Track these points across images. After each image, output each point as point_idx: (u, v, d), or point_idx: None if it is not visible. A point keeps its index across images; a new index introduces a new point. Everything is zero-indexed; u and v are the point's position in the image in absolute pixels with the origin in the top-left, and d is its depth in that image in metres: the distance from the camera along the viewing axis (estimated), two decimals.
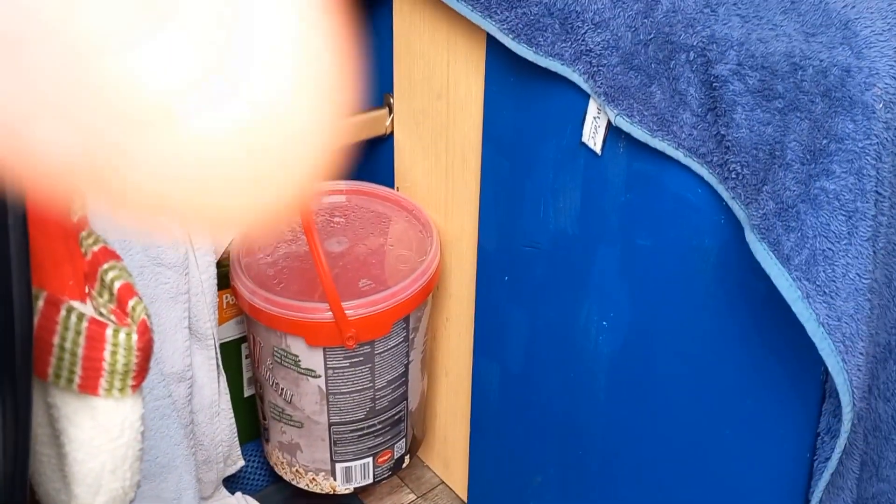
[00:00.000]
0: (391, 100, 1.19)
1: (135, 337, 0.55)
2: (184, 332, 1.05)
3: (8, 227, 0.45)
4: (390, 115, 1.20)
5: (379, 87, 1.20)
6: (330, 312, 1.04)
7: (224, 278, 1.13)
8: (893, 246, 0.71)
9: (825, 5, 0.70)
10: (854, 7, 0.69)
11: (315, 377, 1.09)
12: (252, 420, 1.24)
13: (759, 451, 0.79)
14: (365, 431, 1.14)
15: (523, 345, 1.05)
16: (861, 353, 0.65)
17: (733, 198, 0.72)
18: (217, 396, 1.11)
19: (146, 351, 0.56)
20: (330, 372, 1.09)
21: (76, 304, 0.55)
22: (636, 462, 0.92)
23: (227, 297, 1.17)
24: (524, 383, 1.07)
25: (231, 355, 1.22)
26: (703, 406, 0.83)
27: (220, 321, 1.15)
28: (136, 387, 0.57)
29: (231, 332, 1.22)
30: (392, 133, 1.21)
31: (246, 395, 1.27)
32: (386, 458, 1.17)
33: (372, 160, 1.26)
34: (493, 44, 0.96)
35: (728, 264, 0.77)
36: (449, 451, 1.27)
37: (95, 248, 0.58)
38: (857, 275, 0.65)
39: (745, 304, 0.76)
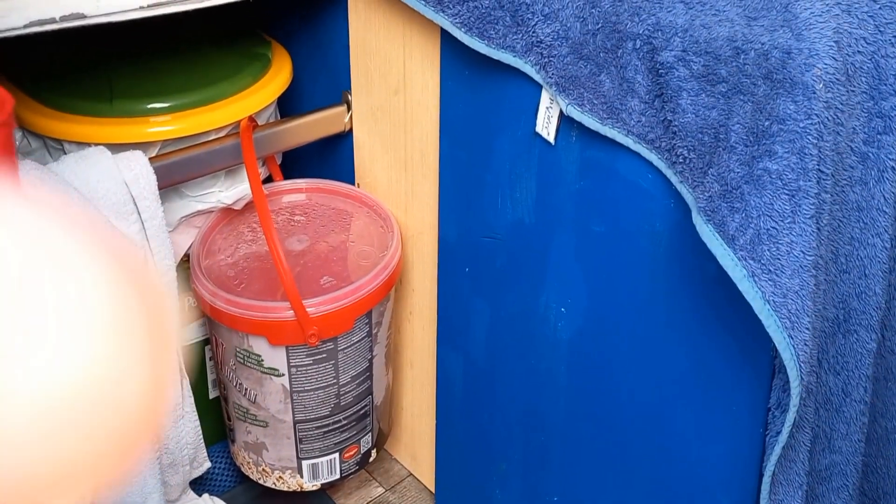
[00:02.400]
0: (349, 97, 1.20)
1: None
2: None
3: None
4: (349, 111, 1.21)
5: (337, 84, 1.21)
6: (291, 311, 1.05)
7: (185, 281, 1.14)
8: (838, 223, 0.74)
9: None
10: None
11: (278, 376, 1.10)
12: (218, 422, 1.25)
13: (714, 428, 0.81)
14: (330, 428, 1.15)
15: (485, 334, 1.07)
16: (807, 329, 0.67)
17: (681, 182, 0.75)
18: (181, 399, 1.12)
19: None
20: (293, 370, 1.10)
21: None
22: (596, 442, 0.94)
23: (188, 300, 1.18)
24: (488, 372, 1.09)
25: (195, 358, 1.23)
26: (659, 385, 0.85)
27: (183, 324, 1.16)
28: None
29: (194, 334, 1.23)
30: (351, 130, 1.22)
31: (211, 396, 1.28)
32: (352, 453, 1.19)
33: (332, 157, 1.27)
34: (447, 38, 0.97)
35: (679, 246, 0.79)
36: (416, 444, 1.28)
37: None
38: (802, 252, 0.67)
39: (697, 285, 0.79)
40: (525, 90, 0.89)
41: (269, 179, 1.25)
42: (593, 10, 0.79)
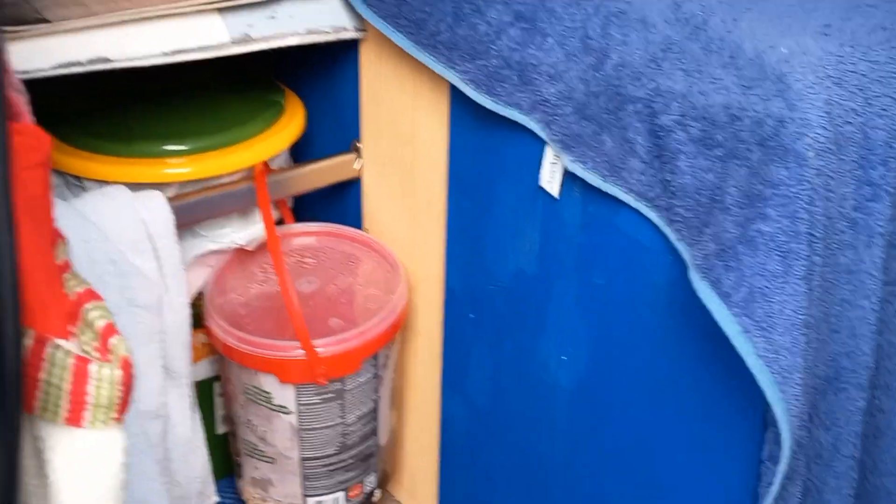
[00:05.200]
0: (359, 145, 1.23)
1: (118, 372, 0.58)
2: (158, 370, 1.07)
3: (1, 272, 0.48)
4: (358, 159, 1.24)
5: (347, 132, 1.25)
6: (301, 350, 1.08)
7: (197, 318, 1.16)
8: (829, 284, 0.76)
9: (761, 60, 0.75)
10: (788, 62, 0.75)
11: (287, 413, 1.12)
12: (225, 457, 1.27)
13: (709, 478, 0.83)
14: (336, 466, 1.17)
15: (488, 380, 1.09)
16: (798, 384, 0.70)
17: (679, 239, 0.77)
18: (191, 434, 1.14)
19: (128, 385, 0.59)
20: (301, 408, 1.12)
21: (61, 342, 0.58)
22: (595, 488, 0.96)
23: (200, 337, 1.20)
24: (490, 417, 1.11)
25: (204, 394, 1.25)
26: (656, 435, 0.87)
27: (194, 360, 1.18)
28: (119, 419, 0.60)
29: (204, 371, 1.25)
30: (360, 177, 1.25)
31: (219, 432, 1.30)
32: (356, 492, 1.20)
33: (341, 203, 1.30)
34: (456, 93, 1.01)
35: (677, 300, 0.82)
36: (418, 485, 1.30)
37: (79, 289, 0.62)
38: (793, 311, 0.69)
39: (693, 338, 0.81)
40: (530, 145, 0.92)
41: (280, 222, 1.28)
42: (596, 74, 0.82)
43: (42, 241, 0.58)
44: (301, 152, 1.31)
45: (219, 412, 1.29)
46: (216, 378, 1.26)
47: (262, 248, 1.22)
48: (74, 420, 0.59)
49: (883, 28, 0.81)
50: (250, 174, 1.16)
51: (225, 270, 1.20)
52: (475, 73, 0.93)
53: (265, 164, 1.16)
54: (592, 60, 0.83)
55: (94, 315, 0.61)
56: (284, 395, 1.11)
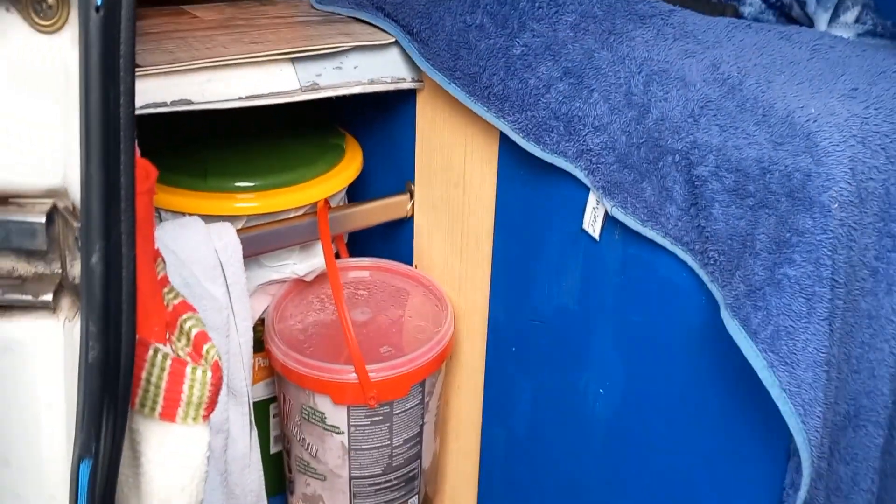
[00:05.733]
0: (412, 187, 1.31)
1: (209, 374, 0.65)
2: (223, 388, 1.14)
3: (122, 283, 0.55)
4: (411, 200, 1.31)
5: (402, 174, 1.32)
6: (354, 374, 1.14)
7: (258, 342, 1.23)
8: (850, 327, 0.81)
9: (791, 119, 0.81)
10: (815, 121, 0.81)
11: (339, 433, 1.18)
12: (277, 475, 1.33)
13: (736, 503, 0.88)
14: (382, 486, 1.22)
15: (528, 411, 1.14)
16: (819, 417, 0.75)
17: (712, 281, 0.83)
18: (248, 450, 1.20)
19: (217, 386, 0.66)
20: (352, 429, 1.18)
21: (160, 346, 0.65)
22: None
23: (259, 360, 1.27)
24: (528, 446, 1.16)
25: (260, 414, 1.32)
26: (688, 463, 0.92)
27: (254, 381, 1.25)
28: (207, 417, 0.66)
29: (261, 392, 1.31)
30: (412, 216, 1.32)
31: (272, 452, 1.36)
32: None
33: (393, 240, 1.37)
34: (505, 140, 1.08)
35: (709, 338, 0.87)
36: None
37: (176, 302, 0.69)
38: (815, 349, 0.75)
39: (724, 373, 0.86)
40: (574, 191, 0.98)
41: (337, 256, 1.35)
42: (638, 126, 0.89)
43: (147, 258, 0.65)
44: (358, 192, 1.38)
45: (273, 432, 1.35)
46: (272, 399, 1.33)
47: (319, 279, 1.29)
48: (168, 415, 0.65)
49: None
50: (312, 210, 1.23)
51: (285, 299, 1.27)
52: (525, 123, 1.00)
53: (326, 201, 1.24)
54: (635, 114, 0.89)
55: (190, 324, 0.68)
56: (337, 415, 1.17)
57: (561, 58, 0.97)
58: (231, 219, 1.17)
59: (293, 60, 1.14)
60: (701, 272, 0.85)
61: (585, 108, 0.93)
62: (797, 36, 0.97)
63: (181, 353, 0.67)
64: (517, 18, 1.03)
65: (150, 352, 0.64)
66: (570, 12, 1.00)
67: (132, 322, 0.58)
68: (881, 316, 0.82)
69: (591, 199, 0.96)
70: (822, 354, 0.75)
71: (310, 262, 1.27)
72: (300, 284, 1.29)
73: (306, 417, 1.19)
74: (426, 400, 1.21)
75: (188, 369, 0.65)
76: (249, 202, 1.19)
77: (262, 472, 1.24)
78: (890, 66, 0.91)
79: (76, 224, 0.60)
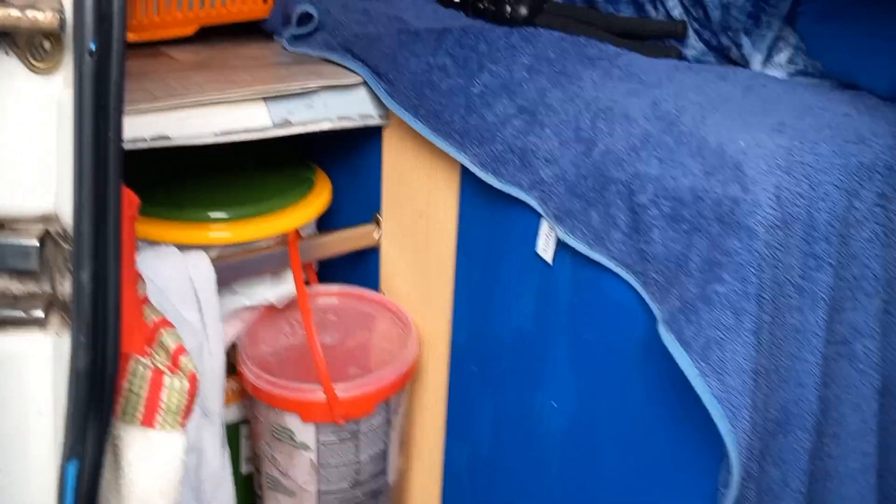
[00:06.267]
0: (379, 217, 1.37)
1: (186, 383, 0.70)
2: (196, 409, 1.19)
3: (109, 299, 0.61)
4: (378, 229, 1.37)
5: (369, 205, 1.38)
6: (323, 392, 1.19)
7: (230, 366, 1.28)
8: (778, 340, 0.88)
9: (722, 151, 0.88)
10: (744, 153, 0.88)
11: (307, 450, 1.23)
12: (247, 495, 1.37)
13: (678, 502, 0.94)
14: (349, 500, 1.27)
15: (489, 428, 1.20)
16: (746, 420, 0.81)
17: (651, 299, 0.89)
18: (222, 468, 1.24)
19: (193, 395, 0.71)
20: (321, 446, 1.22)
21: (141, 358, 0.70)
22: None
23: (231, 384, 1.32)
24: (489, 461, 1.21)
25: (232, 437, 1.36)
26: (634, 468, 0.98)
27: (226, 403, 1.29)
28: (183, 424, 0.72)
29: (233, 415, 1.36)
30: (379, 245, 1.38)
31: (244, 473, 1.40)
32: None
33: (361, 267, 1.42)
34: (466, 172, 1.14)
35: (652, 351, 0.93)
36: None
37: (156, 318, 0.74)
38: (743, 359, 0.81)
39: (664, 383, 0.92)
40: (529, 218, 1.05)
41: (306, 283, 1.41)
42: (586, 159, 0.96)
43: (130, 277, 0.70)
44: (327, 222, 1.44)
45: (244, 453, 1.39)
46: (243, 422, 1.37)
47: (290, 306, 1.34)
48: (148, 422, 0.70)
49: (829, 127, 0.94)
50: (283, 240, 1.29)
51: (256, 324, 1.32)
52: (483, 157, 1.06)
53: (297, 231, 1.29)
54: (583, 148, 0.96)
55: (168, 339, 0.73)
56: (306, 433, 1.22)
57: (516, 96, 1.04)
58: (205, 248, 1.22)
59: (266, 99, 1.20)
60: (642, 291, 0.91)
61: (538, 142, 1.00)
62: (733, 76, 1.05)
63: (160, 365, 0.72)
64: (476, 60, 1.10)
65: (132, 363, 0.69)
66: (525, 54, 1.08)
67: (117, 335, 0.63)
68: (807, 330, 0.88)
69: (545, 226, 1.02)
70: (749, 364, 0.81)
71: (281, 289, 1.32)
72: (272, 311, 1.34)
73: (276, 436, 1.24)
74: (391, 418, 1.27)
75: (166, 379, 0.70)
76: (222, 231, 1.24)
77: (233, 491, 1.28)
78: (816, 102, 0.99)
79: (66, 247, 0.65)
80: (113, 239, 0.60)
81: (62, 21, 0.59)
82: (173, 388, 0.70)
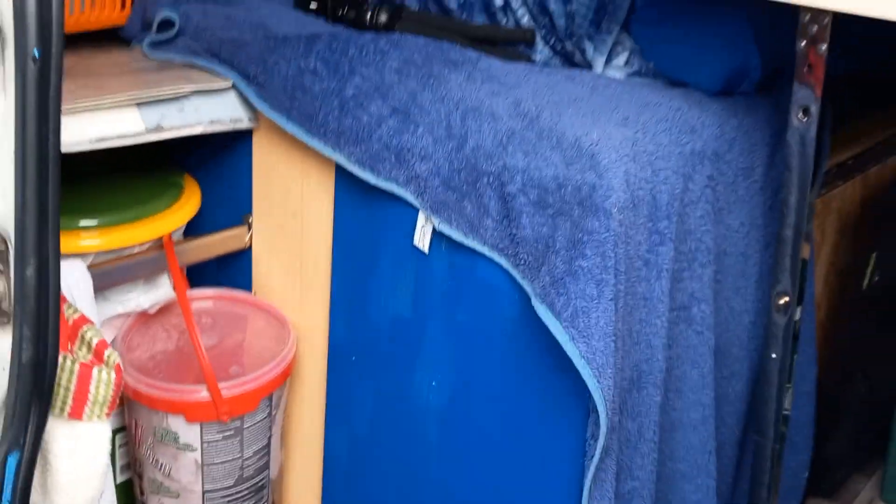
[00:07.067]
0: (250, 219, 1.46)
1: (113, 375, 0.78)
2: None
3: (50, 293, 0.69)
4: (249, 231, 1.46)
5: (239, 208, 1.47)
6: (207, 392, 1.27)
7: None
8: (630, 308, 1.05)
9: (578, 143, 1.04)
10: (597, 144, 1.04)
11: (192, 451, 1.31)
12: (123, 502, 1.42)
13: (552, 458, 1.09)
14: (234, 497, 1.36)
15: (370, 412, 1.32)
16: (610, 378, 0.97)
17: (522, 278, 1.04)
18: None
19: (119, 386, 0.79)
20: (205, 445, 1.31)
21: (67, 354, 0.78)
22: (462, 482, 1.20)
23: None
24: (371, 445, 1.33)
25: None
26: (511, 432, 1.13)
27: None
28: (109, 414, 0.80)
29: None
30: (250, 246, 1.47)
31: (118, 481, 1.45)
32: None
33: (231, 270, 1.51)
34: (340, 171, 1.26)
35: (522, 325, 1.09)
36: None
37: (76, 316, 0.82)
38: (605, 324, 0.97)
39: (534, 353, 1.08)
40: (405, 212, 1.18)
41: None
42: (458, 154, 1.10)
43: None
44: (194, 227, 1.52)
45: (120, 462, 1.45)
46: (117, 430, 1.43)
47: (162, 311, 1.41)
48: (76, 414, 0.78)
49: (666, 120, 1.12)
50: (155, 245, 1.36)
51: (130, 330, 1.39)
52: (360, 155, 1.19)
53: (170, 236, 1.37)
54: (455, 144, 1.10)
55: (90, 334, 0.81)
56: (191, 433, 1.30)
57: (389, 98, 1.16)
58: (77, 256, 1.27)
59: (139, 105, 1.28)
60: (514, 272, 1.06)
61: (413, 140, 1.13)
62: (580, 77, 1.21)
63: (83, 361, 0.80)
64: (347, 64, 1.22)
65: (60, 358, 0.77)
66: (393, 59, 1.21)
67: (56, 327, 0.71)
68: (653, 297, 1.06)
69: (421, 218, 1.16)
70: (610, 328, 0.98)
71: (154, 294, 1.40)
72: (144, 317, 1.41)
73: (159, 439, 1.31)
74: (273, 413, 1.36)
75: (95, 371, 0.79)
76: (94, 239, 1.31)
77: (115, 497, 1.34)
78: (653, 98, 1.17)
79: None
80: (52, 236, 0.68)
81: None
82: (101, 381, 0.78)
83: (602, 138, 1.04)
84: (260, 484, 1.39)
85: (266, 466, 1.39)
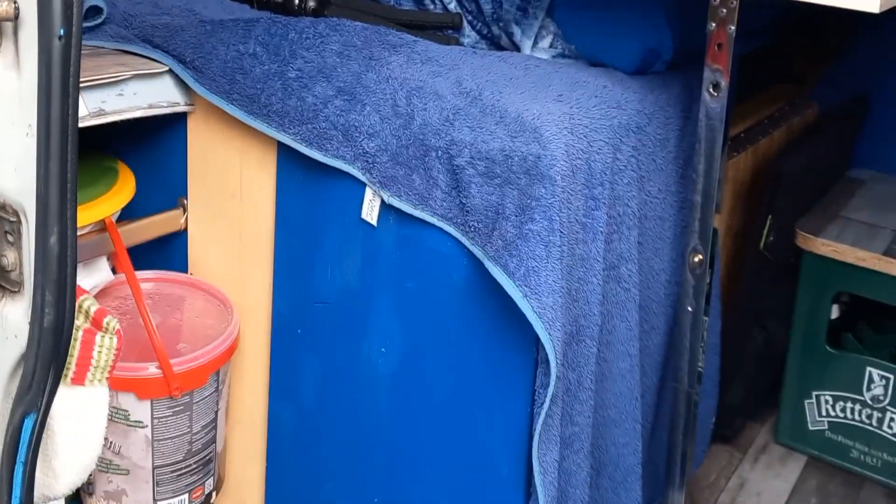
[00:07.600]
0: (185, 202, 1.51)
1: (115, 339, 0.85)
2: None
3: (68, 264, 0.75)
4: (184, 214, 1.52)
5: (174, 191, 1.52)
6: (158, 368, 1.33)
7: None
8: (570, 268, 1.17)
9: (521, 118, 1.15)
10: (539, 119, 1.15)
11: (142, 427, 1.36)
12: None
13: (503, 409, 1.20)
14: (183, 471, 1.41)
15: (317, 383, 1.40)
16: (559, 331, 1.09)
17: (473, 244, 1.15)
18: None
19: (119, 350, 0.86)
20: (155, 421, 1.36)
21: None
22: (413, 444, 1.29)
23: None
24: (318, 417, 1.41)
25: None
26: (461, 390, 1.23)
27: None
28: (109, 379, 0.86)
29: None
30: (186, 228, 1.52)
31: None
32: (198, 494, 1.45)
33: (166, 251, 1.56)
34: (283, 150, 1.33)
35: (470, 290, 1.19)
36: (244, 491, 1.56)
37: None
38: (553, 281, 1.09)
39: (482, 314, 1.18)
40: (352, 188, 1.26)
41: (113, 271, 1.52)
42: (406, 131, 1.19)
43: None
44: (129, 212, 1.56)
45: None
46: None
47: (103, 293, 1.45)
48: (79, 379, 0.84)
49: (595, 96, 1.25)
50: (94, 230, 1.40)
51: None
52: (306, 134, 1.26)
53: (110, 218, 1.41)
54: (402, 122, 1.19)
55: (88, 304, 0.87)
56: (141, 410, 1.35)
57: (333, 79, 1.25)
58: None
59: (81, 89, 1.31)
60: (464, 239, 1.16)
61: (360, 119, 1.22)
62: (511, 59, 1.32)
63: (82, 329, 0.86)
64: (288, 48, 1.30)
65: None
66: (333, 42, 1.29)
67: (73, 293, 0.77)
68: (590, 258, 1.18)
69: (368, 193, 1.24)
70: (557, 285, 1.09)
71: (93, 278, 1.44)
72: None
73: (110, 417, 1.36)
74: (220, 388, 1.43)
75: (98, 337, 0.85)
76: None
77: None
78: (581, 77, 1.29)
79: (8, 218, 0.78)
80: (71, 206, 0.74)
81: (17, 10, 0.72)
82: (103, 346, 0.84)
83: (542, 113, 1.15)
84: (207, 458, 1.45)
85: (213, 440, 1.45)
